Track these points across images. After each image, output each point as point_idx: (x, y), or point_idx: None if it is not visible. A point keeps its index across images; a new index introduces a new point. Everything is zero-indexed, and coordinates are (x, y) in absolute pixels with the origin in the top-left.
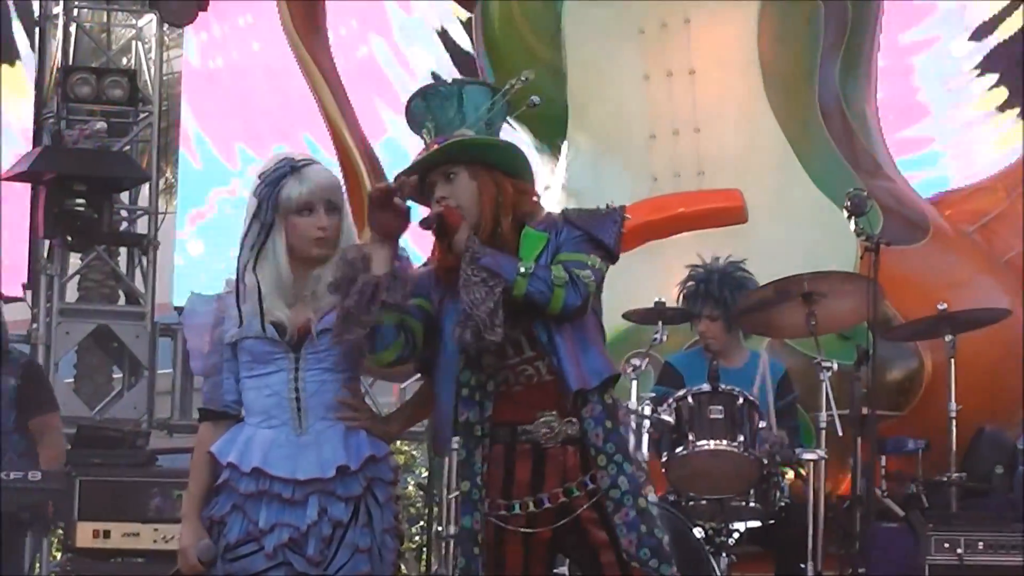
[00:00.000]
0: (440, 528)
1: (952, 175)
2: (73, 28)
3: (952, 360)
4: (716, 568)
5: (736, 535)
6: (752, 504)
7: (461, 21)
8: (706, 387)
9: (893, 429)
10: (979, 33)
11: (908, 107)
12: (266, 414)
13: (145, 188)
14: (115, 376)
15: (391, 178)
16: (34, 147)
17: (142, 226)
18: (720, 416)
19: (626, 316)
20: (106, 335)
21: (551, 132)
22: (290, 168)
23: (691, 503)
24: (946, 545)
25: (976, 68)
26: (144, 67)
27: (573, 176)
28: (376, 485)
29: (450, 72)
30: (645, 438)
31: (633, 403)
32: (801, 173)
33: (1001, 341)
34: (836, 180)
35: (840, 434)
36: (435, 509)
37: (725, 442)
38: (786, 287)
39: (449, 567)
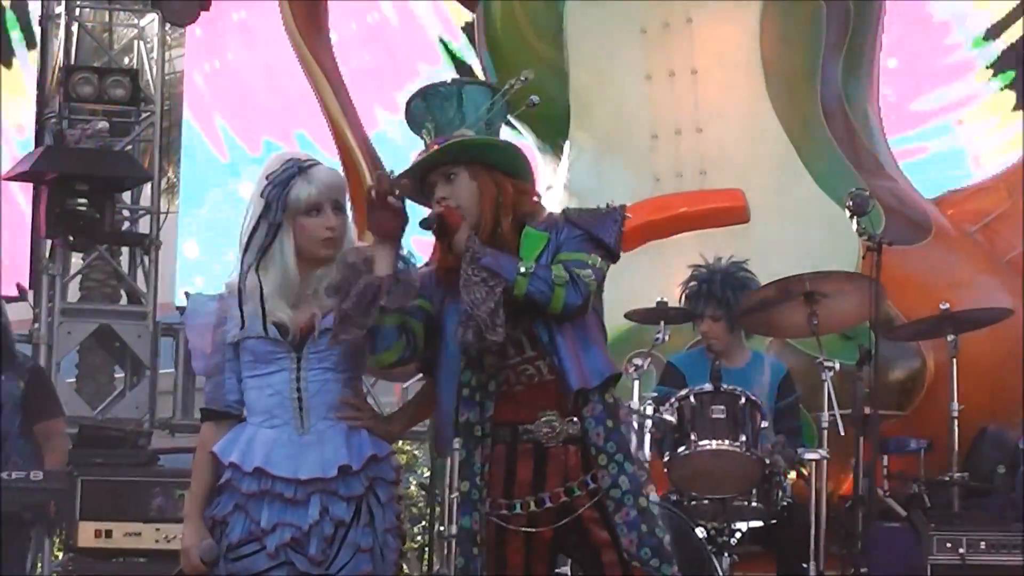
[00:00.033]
0: (442, 528)
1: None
2: (75, 28)
3: (954, 360)
4: (718, 568)
5: (738, 535)
6: (754, 504)
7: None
8: (708, 387)
9: (895, 429)
10: (991, 33)
11: None
12: (268, 414)
13: (147, 188)
14: (117, 376)
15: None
16: (36, 147)
17: (144, 226)
18: (722, 416)
19: (628, 316)
20: (108, 335)
21: (553, 132)
22: (298, 169)
23: (693, 503)
24: (948, 545)
25: (989, 67)
26: (146, 67)
27: (575, 176)
28: (378, 485)
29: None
30: (647, 438)
31: (635, 403)
32: (803, 173)
33: (1003, 341)
34: (838, 180)
35: (842, 434)
36: (437, 509)
37: (727, 442)
38: (788, 287)
39: (451, 567)
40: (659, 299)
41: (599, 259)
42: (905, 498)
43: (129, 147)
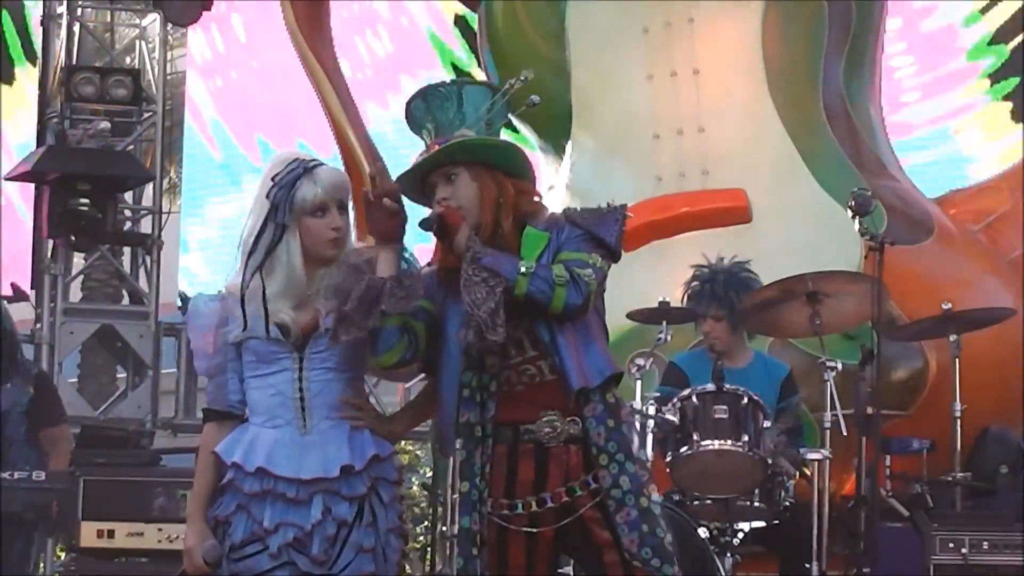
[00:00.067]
0: (444, 528)
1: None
2: (77, 28)
3: (957, 360)
4: (721, 568)
5: (741, 535)
6: (757, 504)
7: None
8: (710, 387)
9: (898, 429)
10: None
11: None
12: (270, 414)
13: (149, 187)
14: (119, 376)
15: (393, 178)
16: (38, 147)
17: (146, 226)
18: (724, 416)
19: (630, 316)
20: (110, 335)
21: (555, 131)
22: (303, 170)
23: (696, 503)
24: (951, 545)
25: (988, 76)
26: (148, 66)
27: (577, 176)
28: (380, 485)
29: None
30: (649, 438)
31: (638, 403)
32: (805, 173)
33: (1006, 341)
34: (840, 180)
35: (845, 434)
36: (439, 509)
37: (729, 442)
38: (790, 287)
39: (453, 567)
40: (661, 299)
41: (600, 259)
42: (908, 498)
43: (131, 147)
